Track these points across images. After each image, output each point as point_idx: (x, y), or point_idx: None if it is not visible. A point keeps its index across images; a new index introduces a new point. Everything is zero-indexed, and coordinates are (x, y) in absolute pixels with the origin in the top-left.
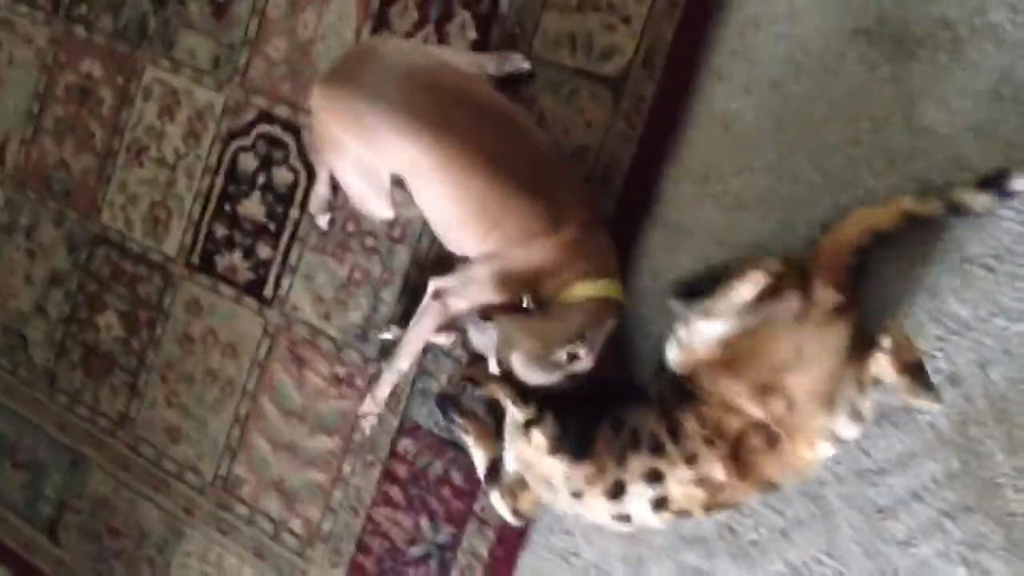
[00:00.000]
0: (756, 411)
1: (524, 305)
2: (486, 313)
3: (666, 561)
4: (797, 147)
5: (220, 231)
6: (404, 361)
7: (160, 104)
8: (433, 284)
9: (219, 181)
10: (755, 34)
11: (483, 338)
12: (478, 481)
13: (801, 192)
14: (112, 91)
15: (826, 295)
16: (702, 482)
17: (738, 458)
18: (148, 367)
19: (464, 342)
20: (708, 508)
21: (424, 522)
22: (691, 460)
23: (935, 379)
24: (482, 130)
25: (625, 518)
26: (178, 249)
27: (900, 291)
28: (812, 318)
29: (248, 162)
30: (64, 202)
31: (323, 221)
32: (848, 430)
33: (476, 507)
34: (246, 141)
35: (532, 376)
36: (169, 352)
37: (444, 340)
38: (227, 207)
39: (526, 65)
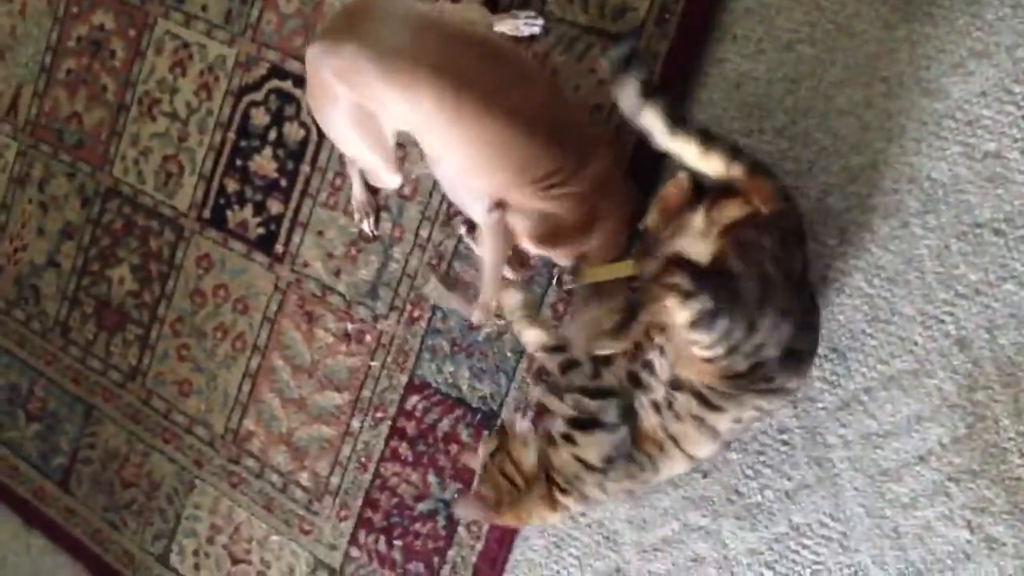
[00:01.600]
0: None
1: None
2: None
3: (672, 521)
4: (809, 109)
5: (231, 186)
6: (491, 294)
7: (172, 58)
8: (485, 201)
9: (231, 136)
10: None
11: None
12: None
13: (812, 155)
14: (124, 43)
15: (724, 215)
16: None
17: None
18: (160, 321)
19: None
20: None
21: (432, 478)
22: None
23: (944, 342)
24: (494, 71)
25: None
26: (190, 203)
27: (908, 256)
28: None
29: (260, 117)
30: (76, 155)
31: (367, 225)
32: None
33: None
34: (258, 96)
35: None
36: (180, 306)
37: (513, 275)
38: (238, 162)
39: (539, 23)
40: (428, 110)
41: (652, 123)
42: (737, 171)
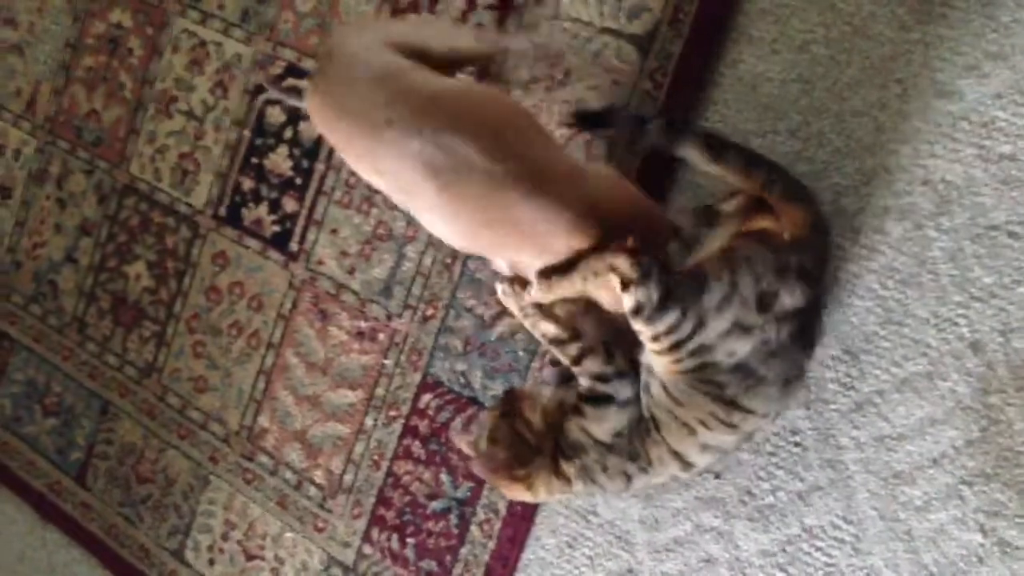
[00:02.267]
0: None
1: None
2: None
3: (684, 522)
4: (823, 110)
5: (247, 184)
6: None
7: (189, 56)
8: (500, 283)
9: (246, 134)
10: None
11: None
12: None
13: (826, 156)
14: (142, 41)
15: (753, 223)
16: None
17: None
18: (175, 317)
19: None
20: None
21: (444, 477)
22: None
23: (958, 345)
24: (482, 135)
25: None
26: (205, 201)
27: (922, 258)
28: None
29: (275, 116)
30: (94, 152)
31: None
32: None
33: None
34: (273, 94)
35: None
36: (196, 303)
37: None
38: (254, 160)
39: (547, 29)
40: (410, 187)
41: (691, 158)
42: (772, 195)
